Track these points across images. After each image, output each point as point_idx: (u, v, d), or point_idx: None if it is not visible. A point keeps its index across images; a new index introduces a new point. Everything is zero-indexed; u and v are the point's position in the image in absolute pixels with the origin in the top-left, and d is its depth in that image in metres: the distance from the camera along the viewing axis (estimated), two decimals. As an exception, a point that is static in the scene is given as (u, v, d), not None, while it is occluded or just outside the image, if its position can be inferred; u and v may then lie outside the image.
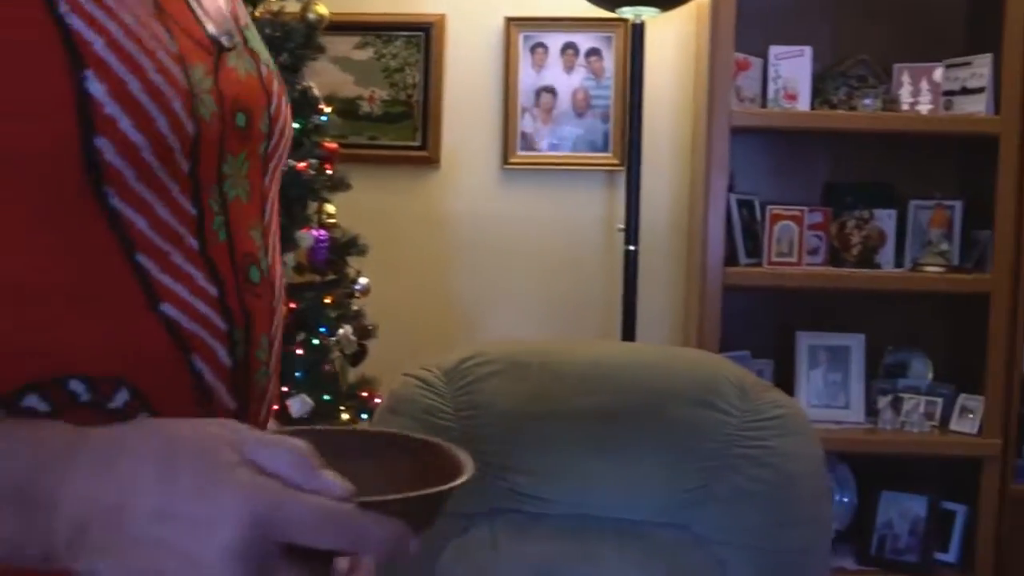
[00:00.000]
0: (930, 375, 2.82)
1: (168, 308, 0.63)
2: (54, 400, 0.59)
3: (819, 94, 2.65)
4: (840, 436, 2.66)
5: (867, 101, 2.55)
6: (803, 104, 2.62)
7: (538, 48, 2.92)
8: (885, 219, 2.71)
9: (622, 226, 2.60)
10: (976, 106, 2.59)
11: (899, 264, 2.73)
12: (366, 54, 2.95)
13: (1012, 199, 2.56)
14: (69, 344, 0.60)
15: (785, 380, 2.76)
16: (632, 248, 2.59)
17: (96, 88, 0.59)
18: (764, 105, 2.64)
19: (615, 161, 2.89)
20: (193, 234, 0.65)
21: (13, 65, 0.57)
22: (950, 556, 2.74)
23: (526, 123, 2.93)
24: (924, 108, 2.64)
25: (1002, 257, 2.57)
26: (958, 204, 2.70)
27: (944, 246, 2.63)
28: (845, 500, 2.81)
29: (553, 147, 2.94)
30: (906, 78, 2.66)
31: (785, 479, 2.02)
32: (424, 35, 2.94)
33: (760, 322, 2.84)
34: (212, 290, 0.65)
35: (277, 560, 0.52)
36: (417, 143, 2.94)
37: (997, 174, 2.55)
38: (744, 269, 2.63)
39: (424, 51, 2.94)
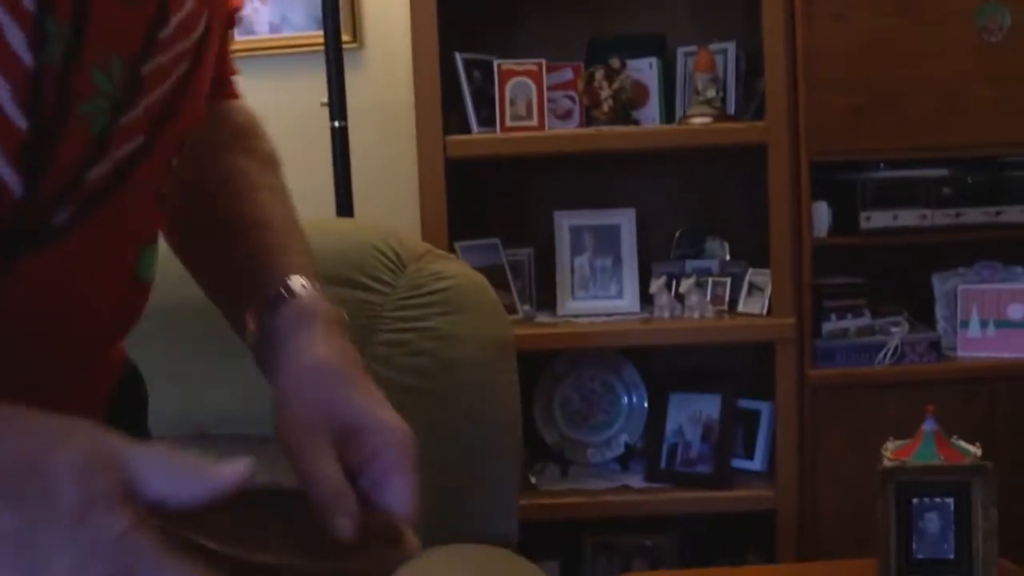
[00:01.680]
0: (727, 255, 2.41)
1: None
2: None
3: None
4: (610, 329, 2.24)
5: (598, -77, 2.13)
6: (531, -63, 2.20)
7: (248, -88, 2.50)
8: (645, 70, 2.28)
9: (325, 101, 2.18)
10: (732, -79, 2.18)
11: (669, 122, 2.31)
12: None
13: (780, 28, 2.14)
14: None
15: (548, 269, 2.35)
16: (339, 124, 2.17)
17: None
18: (484, -58, 2.23)
19: (347, 38, 2.46)
20: None
21: None
22: (756, 463, 2.33)
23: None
24: (682, -65, 2.22)
25: (775, 100, 2.15)
26: (731, 46, 2.28)
27: (711, 93, 2.21)
28: (635, 406, 2.40)
29: (275, 28, 2.51)
30: (657, -99, 2.24)
31: (446, 367, 1.65)
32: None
33: (516, 204, 2.42)
34: None
35: None
36: (119, 35, 2.51)
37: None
38: (470, 137, 2.21)
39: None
